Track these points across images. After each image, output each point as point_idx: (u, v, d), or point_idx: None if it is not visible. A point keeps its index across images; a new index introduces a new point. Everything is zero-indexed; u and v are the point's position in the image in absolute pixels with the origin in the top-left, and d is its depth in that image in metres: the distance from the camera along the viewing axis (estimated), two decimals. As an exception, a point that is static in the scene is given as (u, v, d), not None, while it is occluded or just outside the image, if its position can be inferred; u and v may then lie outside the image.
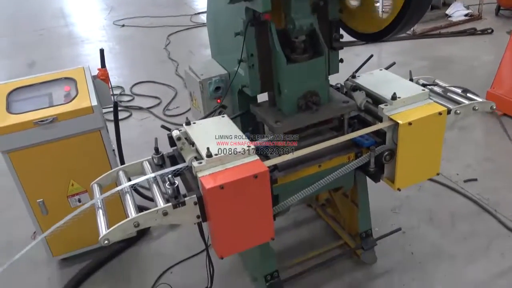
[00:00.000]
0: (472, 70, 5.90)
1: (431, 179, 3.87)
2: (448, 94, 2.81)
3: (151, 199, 2.14)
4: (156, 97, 5.91)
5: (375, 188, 3.10)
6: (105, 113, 4.30)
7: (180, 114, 5.39)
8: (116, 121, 3.28)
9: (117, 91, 6.18)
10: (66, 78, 3.15)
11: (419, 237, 3.34)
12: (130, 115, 5.59)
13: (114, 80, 6.52)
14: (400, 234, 3.29)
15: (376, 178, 2.57)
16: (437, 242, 3.28)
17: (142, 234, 3.57)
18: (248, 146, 2.15)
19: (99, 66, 3.30)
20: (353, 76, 2.74)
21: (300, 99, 2.36)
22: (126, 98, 6.04)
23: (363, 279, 3.02)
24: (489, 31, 7.05)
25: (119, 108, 5.60)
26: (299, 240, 3.37)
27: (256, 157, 2.14)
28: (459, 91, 2.81)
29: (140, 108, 5.72)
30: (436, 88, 2.89)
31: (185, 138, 2.30)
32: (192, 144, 2.25)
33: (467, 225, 3.42)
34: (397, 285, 2.97)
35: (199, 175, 2.05)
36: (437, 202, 3.67)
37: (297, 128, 2.38)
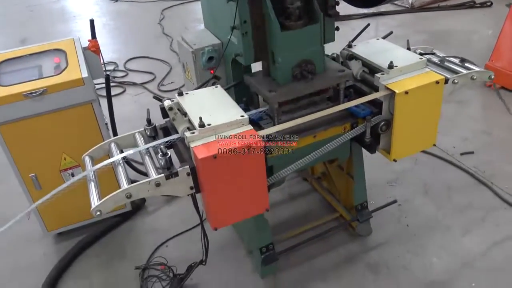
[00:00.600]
0: (470, 43, 5.83)
1: (427, 152, 3.85)
2: (446, 64, 2.76)
3: (145, 174, 2.11)
4: (150, 73, 5.83)
5: (371, 161, 3.08)
6: (98, 89, 4.28)
7: (175, 89, 5.32)
8: (109, 93, 3.22)
9: (110, 67, 6.10)
10: (55, 50, 3.08)
11: (415, 209, 3.33)
12: (124, 91, 5.52)
13: (107, 55, 6.42)
14: (395, 206, 3.29)
15: (371, 149, 2.54)
16: (432, 215, 3.28)
17: (138, 209, 3.56)
18: (242, 116, 2.11)
19: (90, 38, 3.21)
20: (349, 46, 2.68)
21: (295, 68, 2.31)
22: (120, 74, 5.95)
23: (358, 251, 3.02)
24: (488, 4, 6.95)
25: (112, 84, 5.60)
26: (295, 214, 3.37)
27: (250, 127, 2.10)
28: (457, 61, 2.76)
29: (134, 84, 5.64)
30: (434, 58, 2.84)
31: (178, 109, 2.25)
32: (185, 114, 2.21)
33: (463, 198, 3.41)
34: (392, 257, 2.97)
35: (192, 145, 2.02)
36: (433, 175, 3.65)
37: (291, 98, 2.33)
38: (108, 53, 6.57)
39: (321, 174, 3.40)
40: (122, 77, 5.88)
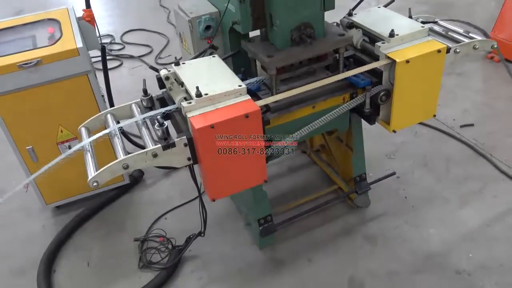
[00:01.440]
0: (473, 14, 5.73)
1: (426, 125, 3.83)
2: (449, 33, 2.71)
3: (143, 147, 2.08)
4: (147, 46, 5.75)
5: (370, 134, 3.06)
6: (94, 62, 4.21)
7: (172, 63, 5.20)
8: (105, 64, 3.15)
9: (107, 40, 6.00)
10: (49, 20, 3.01)
11: (413, 181, 3.33)
12: (121, 64, 5.45)
13: (103, 28, 6.31)
14: (394, 178, 3.29)
15: (371, 120, 2.52)
16: (431, 187, 3.28)
17: (136, 181, 3.55)
18: (240, 86, 2.07)
19: (84, 7, 3.13)
20: (350, 14, 2.62)
21: (294, 31, 2.25)
22: (116, 47, 5.86)
23: (356, 222, 3.03)
24: (492, -26, 6.79)
25: (109, 57, 5.52)
26: (293, 186, 3.36)
27: (248, 97, 2.07)
28: (460, 30, 2.71)
29: (131, 57, 5.57)
30: (436, 28, 2.79)
31: (175, 79, 2.22)
32: (182, 84, 2.17)
33: (462, 170, 3.40)
34: (389, 228, 2.98)
35: (189, 115, 1.99)
36: (433, 147, 3.64)
37: (290, 63, 2.28)
38: (104, 25, 6.47)
39: (320, 147, 3.38)
40: (119, 50, 5.80)
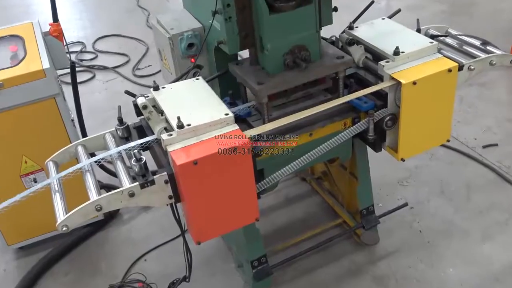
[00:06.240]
0: (498, 14, 5.87)
1: (444, 145, 3.94)
2: (464, 47, 2.83)
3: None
4: (123, 54, 5.88)
5: (378, 157, 3.15)
6: (61, 75, 4.32)
7: (153, 74, 5.38)
8: (75, 85, 3.27)
9: (76, 48, 6.14)
10: (11, 36, 3.13)
11: (429, 212, 3.43)
12: (93, 77, 5.57)
13: (72, 34, 6.45)
14: (407, 209, 3.38)
15: (376, 147, 2.62)
16: (449, 218, 3.38)
17: (111, 217, 3.64)
18: (226, 114, 2.17)
19: (52, 21, 3.26)
20: (350, 28, 2.74)
21: (287, 55, 2.36)
22: (88, 56, 6.00)
23: (364, 262, 3.12)
24: (519, -33, 6.97)
25: (80, 69, 5.65)
26: (291, 220, 3.46)
27: (236, 127, 2.16)
28: (477, 43, 2.83)
29: (104, 68, 5.69)
30: (449, 40, 2.91)
31: (153, 106, 2.31)
32: (161, 113, 2.27)
33: (484, 198, 3.50)
34: (402, 268, 3.07)
35: (169, 149, 2.08)
36: (451, 171, 3.75)
37: (283, 90, 2.38)
38: (74, 30, 6.61)
39: (322, 174, 3.48)
40: (91, 59, 5.94)
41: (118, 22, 6.70)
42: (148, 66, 5.60)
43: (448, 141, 2.68)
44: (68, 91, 3.42)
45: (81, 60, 5.90)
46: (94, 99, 5.09)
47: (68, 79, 4.08)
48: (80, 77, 5.07)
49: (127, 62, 5.75)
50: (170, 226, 3.42)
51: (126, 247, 3.42)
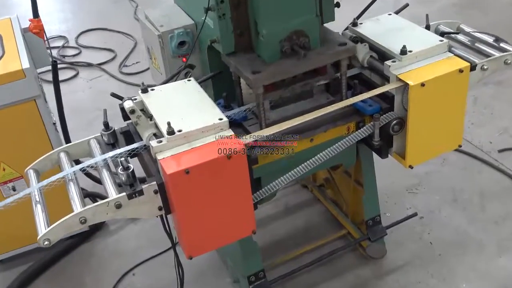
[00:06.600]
0: (514, 7, 5.93)
1: (457, 150, 3.96)
2: (476, 44, 2.88)
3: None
4: (109, 50, 5.92)
5: (385, 162, 3.19)
6: (41, 72, 4.35)
7: (141, 72, 5.42)
8: (57, 86, 3.30)
9: (58, 43, 6.17)
10: (-12, 33, 3.17)
11: (440, 222, 3.47)
12: (77, 74, 5.61)
13: (54, 27, 6.48)
14: (416, 219, 3.42)
15: (382, 154, 2.66)
16: (462, 229, 3.42)
17: (96, 228, 3.67)
18: (220, 119, 2.21)
19: (31, 16, 3.29)
20: (354, 24, 2.78)
21: (284, 41, 2.36)
22: (70, 52, 6.03)
23: (369, 276, 3.16)
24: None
25: (62, 66, 5.69)
26: (291, 231, 3.50)
27: (231, 132, 2.20)
28: (490, 39, 2.87)
29: (89, 65, 5.72)
30: (461, 37, 2.95)
31: (141, 110, 2.35)
32: (150, 117, 2.31)
33: (500, 207, 3.55)
34: (411, 283, 3.11)
35: (159, 157, 2.11)
36: (464, 178, 3.79)
37: (280, 79, 2.39)
38: (55, 24, 6.64)
39: (324, 181, 3.51)
40: (74, 56, 5.97)
41: (103, 14, 6.73)
42: (136, 62, 5.64)
43: (460, 146, 2.72)
44: (49, 90, 3.45)
45: (63, 56, 5.94)
46: (78, 98, 5.12)
47: (48, 76, 4.10)
48: (62, 75, 5.12)
49: (113, 58, 5.79)
50: (160, 237, 3.44)
51: (112, 260, 3.46)
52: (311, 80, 2.51)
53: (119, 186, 2.20)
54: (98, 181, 3.69)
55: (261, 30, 2.34)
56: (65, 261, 3.50)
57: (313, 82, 2.53)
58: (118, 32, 6.27)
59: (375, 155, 2.89)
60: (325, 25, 2.55)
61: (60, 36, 6.31)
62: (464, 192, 3.68)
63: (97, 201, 3.53)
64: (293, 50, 2.37)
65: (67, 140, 3.40)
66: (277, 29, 2.34)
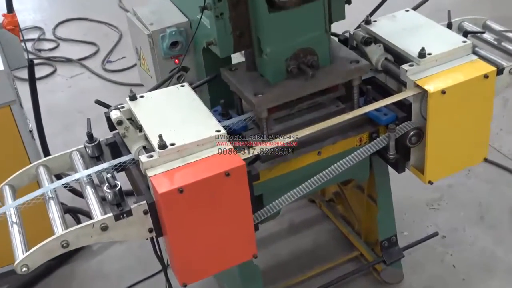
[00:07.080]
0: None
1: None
2: (503, 43, 2.92)
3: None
4: (91, 43, 5.93)
5: (403, 174, 3.23)
6: (14, 69, 4.36)
7: (127, 69, 5.43)
8: (34, 89, 3.34)
9: (33, 35, 6.18)
10: (-43, 31, 3.21)
11: (465, 243, 3.50)
12: (54, 71, 5.63)
13: (28, 17, 6.48)
14: (438, 239, 3.45)
15: (399, 168, 2.70)
16: (489, 250, 3.45)
17: (78, 248, 3.70)
18: (218, 131, 2.25)
19: (5, 11, 3.34)
20: (367, 22, 2.82)
21: (290, 60, 2.43)
22: (47, 45, 6.05)
23: (385, 303, 3.21)
24: None
25: (38, 61, 5.70)
26: (297, 252, 3.52)
27: (229, 146, 2.24)
28: (519, 38, 2.92)
29: (68, 60, 5.75)
30: (487, 36, 2.99)
31: (130, 119, 2.38)
32: (140, 128, 2.35)
33: (533, 225, 3.58)
34: (432, 311, 3.17)
35: (150, 173, 2.15)
36: (492, 192, 3.82)
37: (285, 101, 2.45)
38: (30, 13, 6.64)
39: (334, 195, 3.54)
40: (51, 49, 5.98)
41: (83, 2, 6.72)
42: (122, 58, 5.65)
43: (485, 159, 2.77)
44: (23, 90, 3.47)
45: (39, 51, 5.96)
46: (56, 99, 5.11)
47: (22, 74, 4.10)
48: (38, 72, 5.08)
49: (95, 53, 5.81)
50: (149, 257, 3.45)
51: (96, 283, 3.49)
52: (319, 98, 2.57)
53: (103, 200, 2.25)
54: (80, 194, 3.73)
55: (265, 48, 2.39)
56: (43, 285, 3.53)
57: (322, 100, 2.58)
58: (101, 22, 6.29)
59: (390, 169, 2.93)
60: (334, 23, 2.59)
61: (35, 27, 6.33)
62: (492, 208, 3.71)
63: (78, 217, 3.61)
64: (300, 69, 2.43)
65: (45, 149, 3.45)
66: (283, 48, 2.40)
